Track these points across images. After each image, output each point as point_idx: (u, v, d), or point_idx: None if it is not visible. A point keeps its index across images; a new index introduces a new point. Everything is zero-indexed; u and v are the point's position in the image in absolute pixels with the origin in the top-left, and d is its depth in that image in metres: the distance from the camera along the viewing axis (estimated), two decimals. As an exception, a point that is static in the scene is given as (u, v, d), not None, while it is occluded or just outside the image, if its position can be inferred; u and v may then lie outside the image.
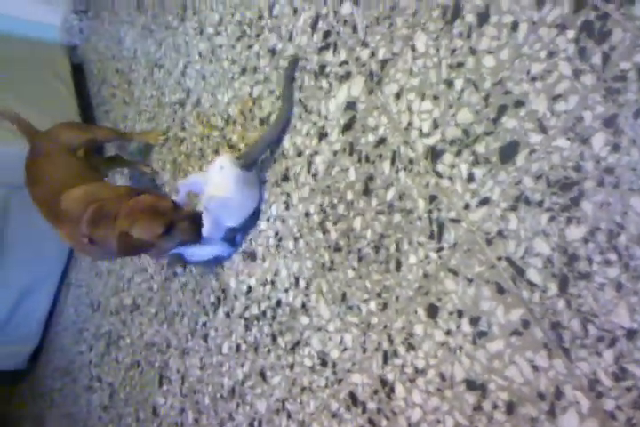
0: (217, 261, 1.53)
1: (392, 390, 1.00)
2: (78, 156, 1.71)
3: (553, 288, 0.76)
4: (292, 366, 1.24)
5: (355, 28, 1.13)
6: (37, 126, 1.82)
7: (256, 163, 1.36)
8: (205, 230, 1.37)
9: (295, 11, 1.29)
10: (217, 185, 1.30)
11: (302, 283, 1.23)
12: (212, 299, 1.54)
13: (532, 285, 0.79)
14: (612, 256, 0.70)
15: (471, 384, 0.86)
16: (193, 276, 1.65)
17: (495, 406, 0.83)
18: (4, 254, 2.42)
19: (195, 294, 1.63)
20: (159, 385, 1.77)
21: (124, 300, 2.08)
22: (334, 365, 1.13)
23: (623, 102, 0.72)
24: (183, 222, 1.35)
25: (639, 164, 0.70)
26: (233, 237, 1.45)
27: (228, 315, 1.47)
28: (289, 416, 1.24)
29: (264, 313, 1.34)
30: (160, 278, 1.84)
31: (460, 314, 0.89)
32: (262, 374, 1.32)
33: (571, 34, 0.77)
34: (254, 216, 1.39)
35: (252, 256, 1.40)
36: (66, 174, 1.62)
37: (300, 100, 1.27)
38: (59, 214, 1.54)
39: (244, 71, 1.47)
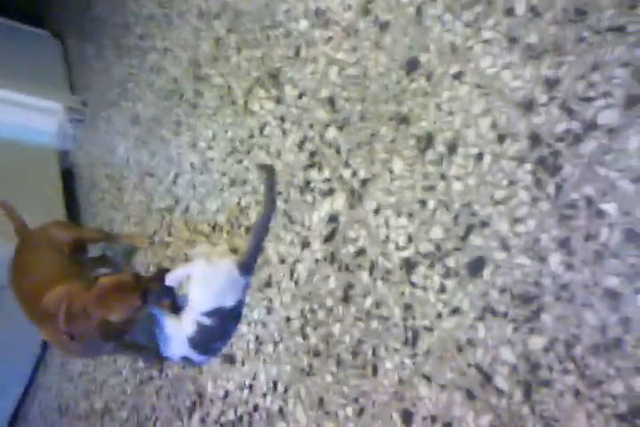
0: (193, 365, 1.55)
1: None
2: (64, 254, 1.76)
3: (518, 395, 0.82)
4: (266, 474, 1.24)
5: (338, 150, 1.25)
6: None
7: (250, 269, 1.45)
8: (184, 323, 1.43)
9: (284, 132, 1.42)
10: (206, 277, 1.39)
11: (280, 387, 1.26)
12: (188, 403, 1.55)
13: (499, 391, 0.85)
14: (570, 365, 0.77)
15: (444, 490, 0.89)
16: (169, 379, 1.66)
17: None
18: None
19: (170, 398, 1.63)
20: None
21: (95, 403, 2.05)
22: (310, 471, 1.14)
23: (575, 227, 0.83)
24: (152, 284, 1.41)
25: (590, 281, 0.79)
26: (210, 347, 1.48)
27: (203, 420, 1.47)
28: None
29: (240, 418, 1.35)
30: (135, 382, 1.83)
31: (434, 419, 0.93)
32: (236, 482, 1.31)
33: (528, 166, 0.89)
34: (235, 324, 1.44)
35: (230, 360, 1.43)
36: (50, 272, 1.66)
37: (284, 211, 1.37)
38: (40, 313, 1.57)
39: (233, 183, 1.58)
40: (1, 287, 1.98)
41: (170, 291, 1.52)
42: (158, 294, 1.44)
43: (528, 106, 0.91)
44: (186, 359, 1.48)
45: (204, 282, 1.40)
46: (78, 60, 3.28)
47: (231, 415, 1.38)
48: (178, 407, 1.59)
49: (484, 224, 0.93)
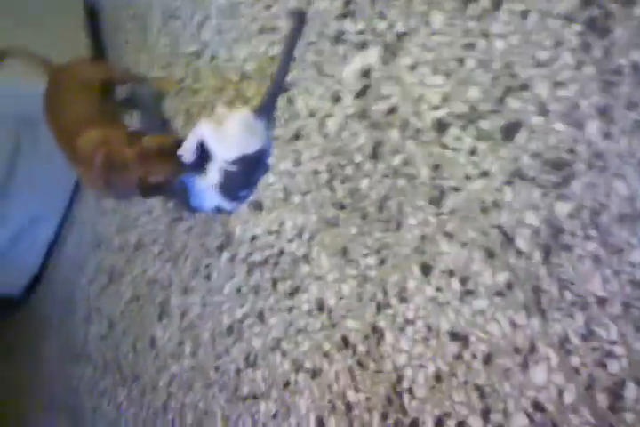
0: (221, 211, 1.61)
1: (382, 336, 1.11)
2: (94, 93, 1.75)
3: (537, 256, 0.87)
4: (290, 310, 1.35)
5: (374, 0, 1.19)
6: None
7: (268, 112, 1.44)
8: (211, 177, 1.46)
9: (318, -26, 1.34)
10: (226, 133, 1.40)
11: (306, 235, 1.33)
12: (217, 243, 1.64)
13: (518, 252, 0.89)
14: (592, 232, 0.80)
15: (455, 336, 0.98)
16: (199, 220, 1.74)
17: (474, 356, 0.94)
18: (11, 186, 2.49)
19: (200, 237, 1.73)
20: (159, 319, 1.89)
21: (129, 238, 2.17)
22: (330, 311, 1.24)
23: (617, 94, 0.81)
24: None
25: (625, 151, 0.79)
26: (238, 193, 1.52)
27: (231, 259, 1.57)
28: (283, 354, 1.36)
29: (266, 260, 1.44)
30: (166, 220, 1.93)
31: (452, 273, 0.99)
32: (261, 315, 1.44)
33: (576, 27, 0.85)
34: (261, 173, 1.47)
35: (258, 207, 1.49)
36: (83, 111, 1.66)
37: (315, 62, 1.34)
38: (75, 154, 1.61)
39: (262, 30, 1.52)
40: (37, 122, 2.00)
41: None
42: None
43: (588, -41, 0.84)
44: (216, 209, 1.54)
45: (218, 136, 1.41)
46: None
47: (258, 257, 1.47)
48: (207, 246, 1.69)
49: (524, 87, 0.91)
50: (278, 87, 1.42)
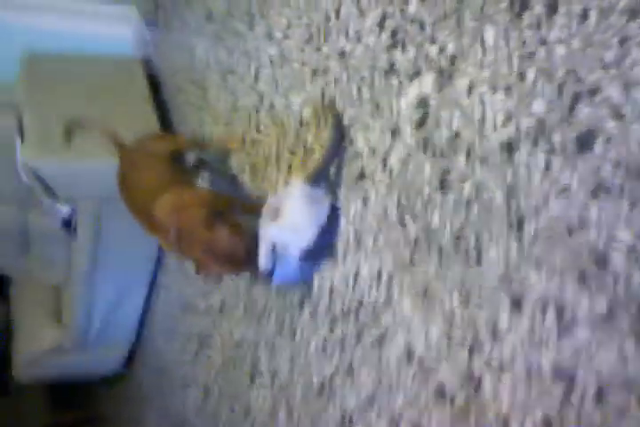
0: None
1: (479, 383, 1.01)
2: (165, 164, 1.79)
3: (638, 275, 0.76)
4: (378, 361, 1.27)
5: (422, 25, 1.14)
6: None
7: (325, 176, 1.41)
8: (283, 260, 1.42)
9: (362, 11, 1.31)
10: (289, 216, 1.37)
11: (384, 278, 1.25)
12: (297, 298, 1.59)
13: (616, 272, 0.79)
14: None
15: (559, 375, 0.86)
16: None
17: (583, 398, 0.83)
18: (98, 262, 2.56)
19: (280, 294, 1.69)
20: (250, 382, 1.84)
21: (213, 300, 2.16)
22: (421, 359, 1.15)
23: None
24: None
25: None
26: (313, 257, 1.45)
27: (313, 313, 1.51)
28: (378, 413, 1.27)
29: (348, 309, 1.37)
30: (246, 279, 1.90)
31: (545, 304, 0.89)
32: (350, 370, 1.36)
33: (644, 18, 0.76)
34: (331, 232, 1.41)
35: (332, 254, 1.43)
36: (157, 181, 1.70)
37: (370, 98, 1.29)
38: (153, 222, 1.62)
39: (315, 73, 1.51)
40: (110, 199, 2.06)
41: None
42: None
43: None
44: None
45: (288, 230, 1.37)
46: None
47: (339, 308, 1.41)
48: (288, 302, 1.64)
49: (593, 91, 0.82)
50: (332, 155, 1.38)
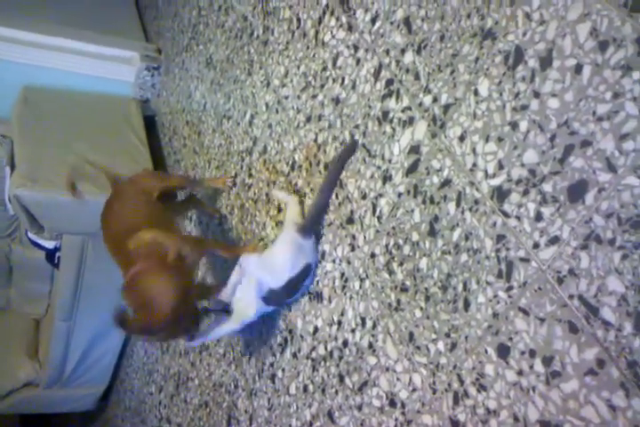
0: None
1: (464, 431, 0.99)
2: (154, 200, 1.79)
3: (628, 327, 0.76)
4: (360, 407, 1.24)
5: (417, 76, 1.17)
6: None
7: (316, 229, 1.43)
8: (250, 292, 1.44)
9: (358, 61, 1.35)
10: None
11: (369, 323, 1.24)
12: (279, 340, 1.57)
13: (606, 323, 0.79)
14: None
15: (546, 425, 0.85)
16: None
17: (572, 449, 0.81)
18: (79, 299, 2.52)
19: (262, 335, 1.66)
20: (227, 426, 1.79)
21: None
22: (403, 405, 1.12)
23: (692, 140, 0.73)
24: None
25: None
26: (279, 299, 1.47)
27: (295, 355, 1.49)
28: (357, 459, 1.23)
29: (331, 353, 1.35)
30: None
31: (533, 354, 0.88)
32: (330, 416, 1.33)
33: (636, 74, 0.79)
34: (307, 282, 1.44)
35: (318, 297, 1.42)
36: (140, 217, 1.69)
37: (363, 145, 1.31)
38: (127, 256, 1.60)
39: (308, 119, 1.53)
40: (95, 235, 2.04)
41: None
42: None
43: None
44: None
45: (266, 268, 1.41)
46: (149, 6, 3.26)
47: (322, 351, 1.39)
48: (270, 344, 1.61)
49: (586, 143, 0.84)
50: (324, 205, 1.41)
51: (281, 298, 1.44)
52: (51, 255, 2.37)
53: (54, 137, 2.29)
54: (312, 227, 1.43)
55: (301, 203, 1.51)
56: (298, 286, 1.42)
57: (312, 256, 1.41)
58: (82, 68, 2.75)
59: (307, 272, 1.41)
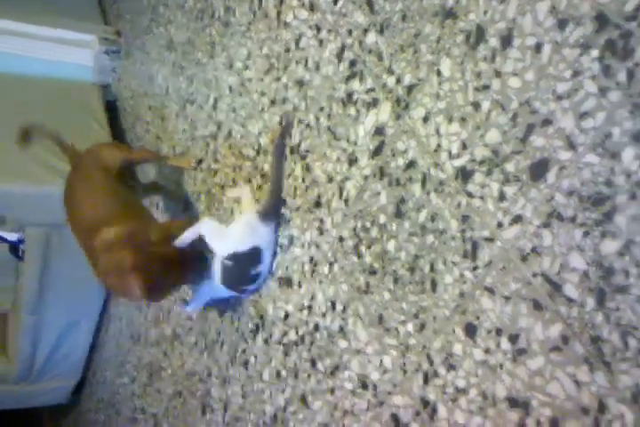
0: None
1: (434, 410, 1.00)
2: (113, 177, 1.75)
3: (591, 303, 0.77)
4: (332, 391, 1.24)
5: (380, 57, 1.16)
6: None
7: (277, 217, 1.45)
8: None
9: (321, 42, 1.33)
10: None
11: (339, 307, 1.24)
12: (251, 326, 1.56)
13: (569, 300, 0.80)
14: (649, 268, 0.71)
15: (513, 402, 0.86)
16: (231, 304, 1.67)
17: (539, 423, 0.82)
18: (46, 292, 2.48)
19: (233, 322, 1.65)
20: (202, 414, 1.79)
21: (164, 330, 2.11)
22: (375, 387, 1.13)
23: (650, 116, 0.73)
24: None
25: (670, 176, 0.71)
26: (241, 287, 1.50)
27: (266, 341, 1.49)
28: (331, 441, 1.24)
29: (302, 338, 1.35)
30: (198, 309, 1.86)
31: (499, 332, 0.89)
32: (303, 400, 1.33)
33: (594, 53, 0.79)
34: (257, 269, 1.45)
35: (288, 282, 1.42)
36: (103, 199, 1.65)
37: (328, 127, 1.30)
38: (93, 250, 1.57)
39: (273, 102, 1.51)
40: (59, 226, 2.01)
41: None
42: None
43: (591, -18, 0.79)
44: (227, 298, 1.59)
45: (216, 234, 1.47)
46: (107, -11, 3.18)
47: (293, 336, 1.39)
48: (241, 330, 1.61)
49: (547, 122, 0.84)
50: (279, 190, 1.45)
51: (236, 278, 1.46)
52: (14, 248, 2.32)
53: (9, 126, 2.23)
54: (273, 213, 1.44)
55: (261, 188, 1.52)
56: (248, 271, 1.43)
57: (264, 242, 1.43)
58: (37, 53, 2.67)
59: (256, 257, 1.42)
